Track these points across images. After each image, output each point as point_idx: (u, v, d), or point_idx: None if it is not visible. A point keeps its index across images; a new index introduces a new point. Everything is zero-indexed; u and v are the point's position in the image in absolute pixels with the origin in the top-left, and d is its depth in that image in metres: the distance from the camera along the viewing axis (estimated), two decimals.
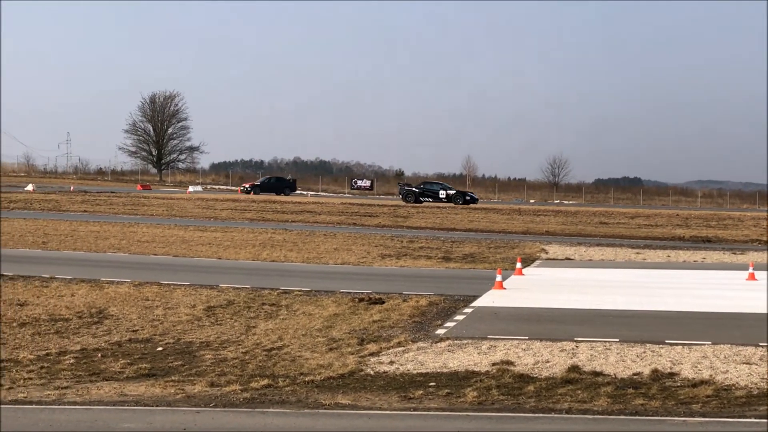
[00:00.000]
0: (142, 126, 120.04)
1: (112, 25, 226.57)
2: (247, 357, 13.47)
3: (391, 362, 12.93)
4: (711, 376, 12.16)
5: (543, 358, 13.05)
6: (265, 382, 11.73)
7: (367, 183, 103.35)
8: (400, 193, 73.30)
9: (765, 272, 24.14)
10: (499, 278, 20.53)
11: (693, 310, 17.79)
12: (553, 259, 29.38)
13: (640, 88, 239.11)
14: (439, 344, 14.05)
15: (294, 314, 16.97)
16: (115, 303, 17.69)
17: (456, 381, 11.93)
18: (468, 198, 70.21)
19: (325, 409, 10.57)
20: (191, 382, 11.86)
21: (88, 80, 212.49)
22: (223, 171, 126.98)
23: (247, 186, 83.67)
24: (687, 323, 16.19)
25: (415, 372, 12.43)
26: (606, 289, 20.99)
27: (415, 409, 10.62)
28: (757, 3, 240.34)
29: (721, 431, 9.90)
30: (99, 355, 13.54)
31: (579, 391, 11.37)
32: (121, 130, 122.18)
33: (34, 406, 10.56)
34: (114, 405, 10.63)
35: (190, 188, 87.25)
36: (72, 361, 13.09)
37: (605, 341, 14.16)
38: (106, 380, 12.00)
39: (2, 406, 10.51)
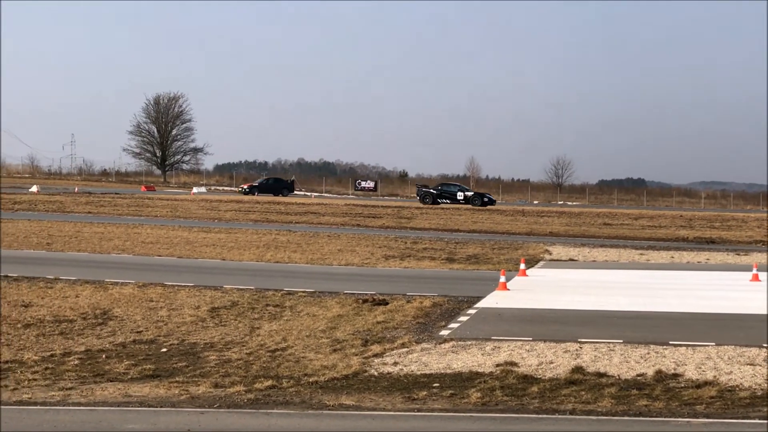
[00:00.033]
0: (147, 127, 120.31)
1: (116, 25, 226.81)
2: (251, 358, 13.48)
3: (395, 363, 12.94)
4: (715, 377, 12.16)
5: (547, 359, 13.05)
6: (269, 383, 11.75)
7: (371, 184, 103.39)
8: (417, 195, 73.46)
9: None
10: (502, 279, 20.54)
11: (697, 311, 17.78)
12: (557, 260, 29.37)
13: (640, 88, 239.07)
14: (442, 345, 14.06)
15: (298, 315, 16.99)
16: (120, 304, 17.71)
17: (460, 382, 11.94)
18: (486, 200, 69.65)
19: (329, 409, 10.59)
20: (195, 383, 11.87)
21: (92, 81, 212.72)
22: (227, 172, 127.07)
23: (245, 187, 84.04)
24: (691, 324, 16.18)
25: (419, 373, 12.44)
26: (610, 290, 20.98)
27: (419, 410, 10.63)
28: (757, 3, 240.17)
29: None
30: (103, 356, 13.56)
31: (583, 392, 11.38)
32: (125, 131, 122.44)
33: (38, 407, 10.58)
34: (118, 406, 10.66)
35: (194, 189, 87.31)
36: (76, 362, 13.12)
37: (609, 342, 14.16)
38: (111, 381, 12.02)
39: (7, 407, 10.54)
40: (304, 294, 19.32)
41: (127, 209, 50.29)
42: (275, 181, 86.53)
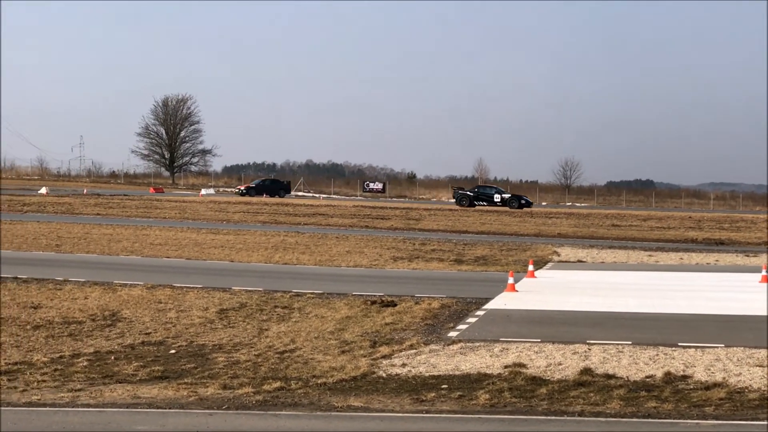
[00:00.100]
0: (155, 129, 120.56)
1: (124, 27, 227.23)
2: (259, 359, 13.49)
3: (404, 365, 12.94)
4: (724, 378, 12.13)
5: (555, 361, 13.04)
6: (278, 384, 11.75)
7: (380, 186, 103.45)
8: (453, 197, 73.29)
9: None
10: (511, 281, 20.52)
11: (706, 312, 17.74)
12: (566, 261, 29.34)
13: (640, 88, 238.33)
14: (451, 347, 14.05)
15: (306, 317, 17.00)
16: (128, 306, 17.74)
17: (468, 383, 11.93)
18: (523, 201, 69.14)
19: (337, 411, 10.59)
20: (204, 384, 11.89)
21: (101, 82, 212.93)
22: (236, 174, 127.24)
23: (242, 188, 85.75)
24: (700, 326, 16.15)
25: (427, 374, 12.43)
26: (618, 291, 20.95)
27: (427, 412, 10.63)
28: (757, 3, 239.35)
29: None
30: (112, 357, 13.58)
31: (591, 394, 11.36)
32: (134, 133, 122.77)
33: (47, 408, 10.60)
34: (127, 407, 10.67)
35: (203, 191, 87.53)
36: (85, 363, 13.14)
37: (618, 344, 14.14)
38: (119, 383, 12.04)
39: (16, 408, 10.57)
40: (312, 295, 19.33)
41: (136, 211, 50.40)
42: (272, 183, 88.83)
